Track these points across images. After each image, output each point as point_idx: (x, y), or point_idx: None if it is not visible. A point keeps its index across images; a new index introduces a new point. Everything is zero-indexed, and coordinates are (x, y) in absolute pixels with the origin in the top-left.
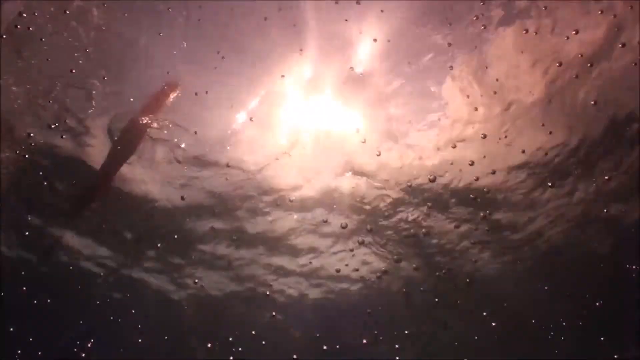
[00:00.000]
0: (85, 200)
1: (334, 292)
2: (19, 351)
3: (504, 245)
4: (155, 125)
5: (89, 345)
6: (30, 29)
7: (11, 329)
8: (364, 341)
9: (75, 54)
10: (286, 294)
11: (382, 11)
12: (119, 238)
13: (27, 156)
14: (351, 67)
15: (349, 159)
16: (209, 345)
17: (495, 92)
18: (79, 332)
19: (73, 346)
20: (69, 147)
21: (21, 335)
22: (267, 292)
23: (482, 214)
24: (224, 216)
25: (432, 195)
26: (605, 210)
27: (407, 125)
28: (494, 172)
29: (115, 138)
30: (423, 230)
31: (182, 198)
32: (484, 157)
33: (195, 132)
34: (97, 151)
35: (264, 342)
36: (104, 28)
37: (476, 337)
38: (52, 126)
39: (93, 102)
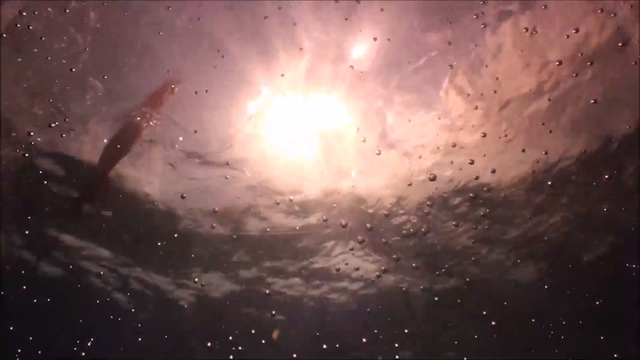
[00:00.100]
0: (84, 199)
1: (334, 291)
2: (19, 351)
3: (504, 244)
4: (152, 124)
5: (89, 345)
6: (30, 28)
7: (11, 329)
8: (364, 340)
9: (76, 54)
10: (286, 294)
11: (382, 10)
12: (118, 238)
13: (27, 155)
14: (351, 66)
15: (350, 159)
16: (209, 345)
17: (495, 92)
18: (79, 332)
19: (73, 346)
20: (69, 146)
21: (21, 335)
22: (267, 292)
23: (482, 213)
24: (224, 216)
25: (432, 194)
26: (605, 210)
27: (406, 125)
28: (494, 171)
29: (112, 137)
30: (423, 229)
31: (182, 197)
32: (484, 155)
33: (195, 131)
34: (96, 151)
35: (263, 342)
36: (103, 27)
37: (476, 337)
38: (52, 125)
39: (93, 102)
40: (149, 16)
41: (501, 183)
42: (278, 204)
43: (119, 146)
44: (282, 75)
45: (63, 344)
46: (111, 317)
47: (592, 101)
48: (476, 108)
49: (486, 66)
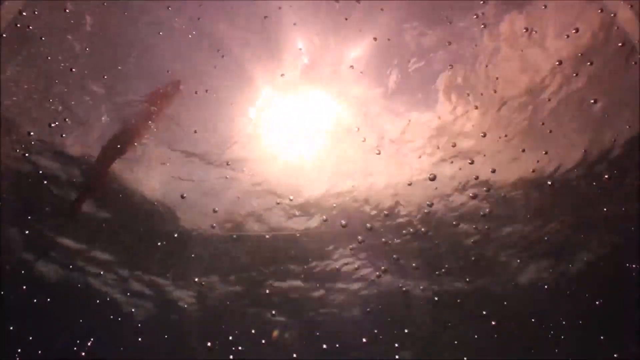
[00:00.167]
0: (81, 199)
1: (334, 291)
2: (19, 351)
3: (504, 244)
4: (153, 125)
5: (89, 345)
6: (30, 28)
7: (11, 329)
8: (364, 340)
9: (76, 53)
10: (286, 295)
11: (382, 10)
12: (118, 238)
13: (27, 155)
14: (351, 66)
15: (350, 159)
16: (209, 345)
17: (495, 91)
18: (78, 332)
19: (73, 346)
20: (69, 146)
21: (21, 335)
22: (267, 291)
23: (482, 213)
24: (223, 216)
25: (432, 194)
26: (605, 210)
27: (406, 124)
28: (494, 171)
29: (112, 136)
30: (423, 229)
31: (182, 197)
32: (484, 155)
33: (195, 131)
34: (97, 151)
35: (263, 342)
36: (103, 27)
37: (476, 337)
38: (52, 125)
39: (93, 102)
40: (149, 16)
41: (501, 183)
42: (278, 203)
43: (118, 145)
44: (282, 75)
45: (63, 344)
46: (111, 317)
47: (592, 101)
48: (476, 108)
49: (486, 66)
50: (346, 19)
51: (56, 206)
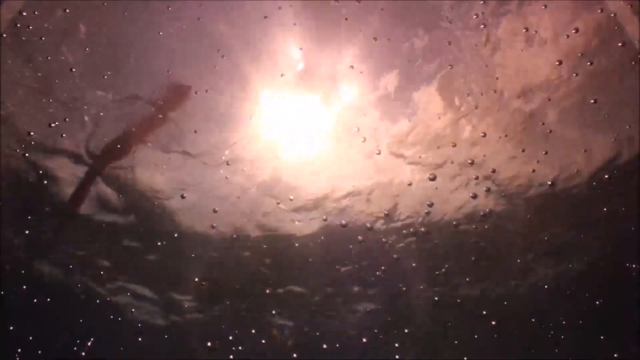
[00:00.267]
0: (77, 198)
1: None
2: (19, 351)
3: (504, 244)
4: (155, 131)
5: (89, 345)
6: (30, 28)
7: (11, 329)
8: (364, 340)
9: (76, 53)
10: (286, 294)
11: (382, 9)
12: (117, 239)
13: (26, 155)
14: (352, 66)
15: (349, 159)
16: (209, 344)
17: (495, 91)
18: (79, 332)
19: (73, 346)
20: (69, 146)
21: (21, 335)
22: (268, 291)
23: (482, 213)
24: (223, 216)
25: (432, 194)
26: (605, 210)
27: (406, 124)
28: (494, 171)
29: (115, 137)
30: (422, 229)
31: (182, 197)
32: (484, 155)
33: (195, 131)
34: (96, 151)
35: (263, 342)
36: (103, 27)
37: (476, 337)
38: (52, 125)
39: (93, 102)
40: (149, 16)
41: (501, 183)
42: (278, 203)
43: (119, 146)
44: (282, 75)
45: (63, 344)
46: (111, 317)
47: (592, 101)
48: (476, 108)
49: (486, 66)
50: (346, 19)
51: (56, 206)
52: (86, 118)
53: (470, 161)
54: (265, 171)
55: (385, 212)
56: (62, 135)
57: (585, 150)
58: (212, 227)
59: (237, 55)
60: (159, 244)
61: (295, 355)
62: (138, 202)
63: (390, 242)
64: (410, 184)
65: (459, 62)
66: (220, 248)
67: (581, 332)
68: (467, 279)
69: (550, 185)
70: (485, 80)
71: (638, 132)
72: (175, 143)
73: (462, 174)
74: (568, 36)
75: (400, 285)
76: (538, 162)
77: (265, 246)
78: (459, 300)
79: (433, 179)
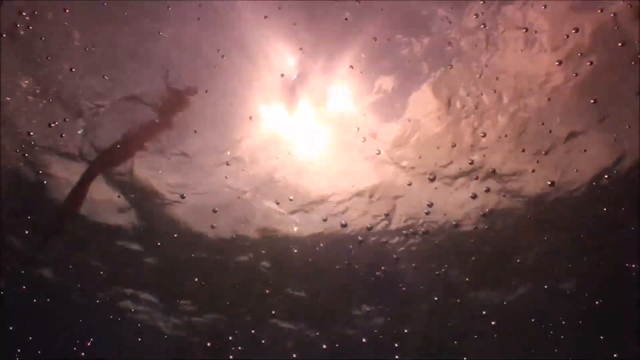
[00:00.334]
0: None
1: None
2: (19, 351)
3: (503, 244)
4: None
5: (89, 345)
6: (30, 28)
7: (11, 329)
8: (364, 340)
9: (75, 54)
10: (286, 294)
11: (381, 9)
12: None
13: (26, 155)
14: (351, 66)
15: (349, 159)
16: (209, 344)
17: (495, 91)
18: (78, 332)
19: (73, 346)
20: (69, 146)
21: (21, 335)
22: (267, 291)
23: (481, 213)
24: (223, 216)
25: (432, 194)
26: (604, 210)
27: (405, 124)
28: (493, 171)
29: (111, 146)
30: (422, 229)
31: (182, 197)
32: (484, 155)
33: (195, 131)
34: (97, 152)
35: (263, 341)
36: (103, 27)
37: (476, 336)
38: (52, 125)
39: (93, 102)
40: (149, 16)
41: (500, 183)
42: (278, 203)
43: (120, 153)
44: (282, 75)
45: (63, 344)
46: (111, 317)
47: (592, 101)
48: (476, 108)
49: (486, 66)
50: (346, 19)
51: (55, 206)
52: (85, 119)
53: (470, 161)
54: (264, 171)
55: (386, 213)
56: (61, 135)
57: (585, 150)
58: (212, 227)
59: (237, 55)
60: (158, 244)
61: (294, 355)
62: (138, 202)
63: (390, 242)
64: (410, 184)
65: (459, 62)
66: (220, 247)
67: (581, 332)
68: (467, 279)
69: (550, 185)
70: (484, 81)
71: (638, 132)
72: (175, 143)
73: (462, 173)
74: (568, 36)
75: (399, 285)
76: (538, 162)
77: (264, 247)
78: (458, 301)
79: (433, 179)
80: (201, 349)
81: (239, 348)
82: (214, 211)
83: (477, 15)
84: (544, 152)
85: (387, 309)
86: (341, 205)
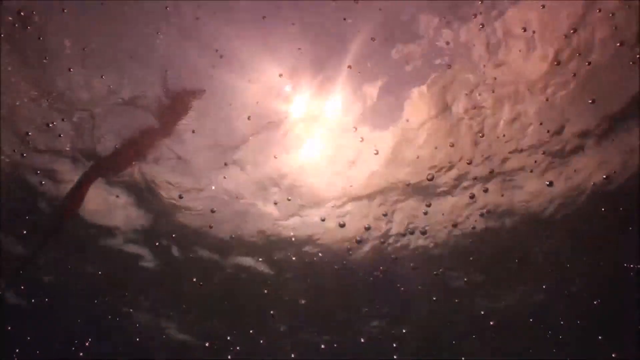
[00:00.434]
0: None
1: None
2: (18, 351)
3: (503, 244)
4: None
5: (89, 345)
6: (30, 28)
7: (9, 329)
8: (362, 340)
9: (75, 53)
10: (286, 294)
11: (380, 10)
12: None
13: (25, 155)
14: (349, 66)
15: (348, 159)
16: (208, 344)
17: (493, 91)
18: (78, 332)
19: (73, 346)
20: (68, 146)
21: (21, 335)
22: (266, 291)
23: (480, 213)
24: (222, 216)
25: (431, 194)
26: (604, 209)
27: (405, 124)
28: (492, 172)
29: (112, 153)
30: (420, 229)
31: (180, 197)
32: (483, 156)
33: (193, 131)
34: (97, 152)
35: (262, 341)
36: (102, 27)
37: (475, 336)
38: (51, 125)
39: (93, 102)
40: (148, 16)
41: (500, 183)
42: (276, 203)
43: (120, 161)
44: (280, 75)
45: (63, 344)
46: (109, 317)
47: (590, 101)
48: (474, 108)
49: (484, 66)
50: (345, 19)
51: (55, 207)
52: (84, 119)
53: (468, 161)
54: (264, 171)
55: (384, 213)
56: (59, 135)
57: (584, 150)
58: (210, 227)
59: (236, 55)
60: (157, 244)
61: (293, 355)
62: (138, 202)
63: (388, 242)
64: (408, 185)
65: (458, 62)
66: (220, 247)
67: (581, 332)
68: (465, 279)
69: (548, 185)
70: (483, 81)
71: (638, 131)
72: (174, 144)
73: (460, 173)
74: (566, 36)
75: (398, 285)
76: (536, 162)
77: (262, 248)
78: (457, 301)
79: (431, 179)
80: (201, 349)
81: (238, 348)
82: (212, 211)
83: (475, 15)
84: (542, 153)
85: (385, 309)
86: (339, 206)
